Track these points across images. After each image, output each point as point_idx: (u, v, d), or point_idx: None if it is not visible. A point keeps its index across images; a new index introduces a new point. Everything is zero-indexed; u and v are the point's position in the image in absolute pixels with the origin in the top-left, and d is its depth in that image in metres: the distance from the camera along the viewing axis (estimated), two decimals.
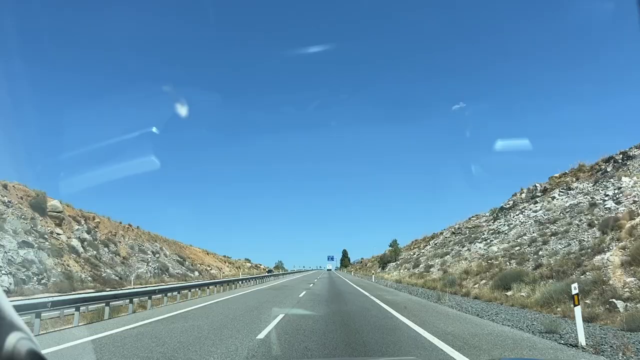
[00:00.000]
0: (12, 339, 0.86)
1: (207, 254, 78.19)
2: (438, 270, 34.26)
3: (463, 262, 30.40)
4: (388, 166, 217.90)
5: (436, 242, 63.91)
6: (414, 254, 70.36)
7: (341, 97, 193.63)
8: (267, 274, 64.28)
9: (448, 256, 41.00)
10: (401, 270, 51.43)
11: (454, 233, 61.12)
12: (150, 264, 46.77)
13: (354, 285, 33.81)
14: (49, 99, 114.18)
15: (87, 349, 7.97)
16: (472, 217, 64.77)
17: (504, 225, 35.70)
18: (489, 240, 34.38)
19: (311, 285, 35.42)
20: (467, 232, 55.39)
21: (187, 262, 61.18)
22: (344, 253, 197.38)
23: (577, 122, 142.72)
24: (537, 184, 41.07)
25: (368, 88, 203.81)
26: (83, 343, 8.54)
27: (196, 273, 59.34)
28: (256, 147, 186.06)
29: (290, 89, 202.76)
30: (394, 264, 72.27)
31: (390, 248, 74.33)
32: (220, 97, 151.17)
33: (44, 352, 0.99)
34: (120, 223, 52.97)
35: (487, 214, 57.45)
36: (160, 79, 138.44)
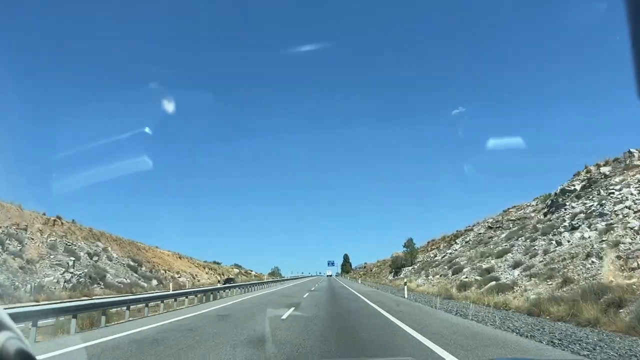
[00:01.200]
0: (0, 339, 0.87)
1: (179, 257, 63.87)
2: (523, 277, 19.69)
3: (580, 261, 15.97)
4: (387, 169, 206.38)
5: (467, 239, 49.78)
6: (435, 256, 56.64)
7: (337, 97, 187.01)
8: (223, 284, 38.93)
9: (509, 255, 26.88)
10: (430, 277, 37.00)
11: (491, 227, 47.36)
12: (71, 270, 32.39)
13: (387, 316, 14.77)
14: (40, 100, 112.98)
15: None
16: (510, 208, 51.38)
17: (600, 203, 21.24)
18: (586, 226, 20.08)
19: (296, 304, 21.17)
20: (512, 225, 42.43)
21: (143, 268, 46.81)
22: (345, 258, 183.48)
23: (571, 122, 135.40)
24: (633, 150, 28.16)
25: (362, 90, 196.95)
26: None
27: (154, 282, 44.93)
28: (251, 149, 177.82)
29: (285, 90, 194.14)
30: (410, 268, 57.83)
31: (406, 249, 59.91)
32: (213, 98, 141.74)
33: None
34: (44, 214, 38.76)
35: (534, 203, 44.79)
36: (151, 79, 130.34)
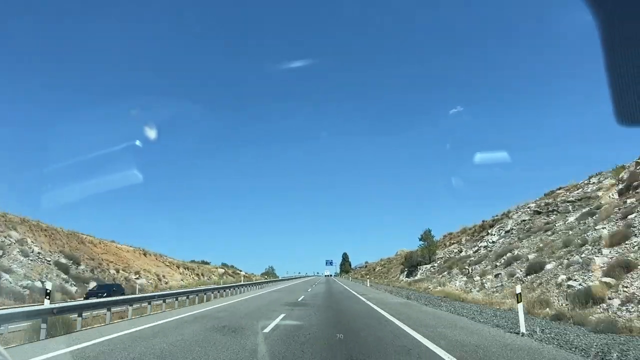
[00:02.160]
0: None
1: (143, 254, 52.24)
2: None
3: None
4: (384, 170, 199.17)
5: (505, 229, 38.83)
6: (460, 251, 45.60)
7: (330, 107, 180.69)
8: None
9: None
10: (475, 279, 25.40)
11: (538, 212, 36.24)
12: None
13: None
14: (31, 112, 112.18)
15: None
16: (557, 190, 40.57)
17: None
18: None
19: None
20: (573, 207, 31.12)
21: (80, 267, 35.22)
22: (344, 257, 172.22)
23: (558, 134, 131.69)
24: None
25: (355, 99, 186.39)
26: None
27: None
28: (248, 153, 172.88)
29: (281, 97, 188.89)
30: (429, 267, 46.36)
31: (422, 244, 48.42)
32: (206, 110, 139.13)
33: None
34: None
35: (595, 181, 34.01)
36: (143, 91, 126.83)
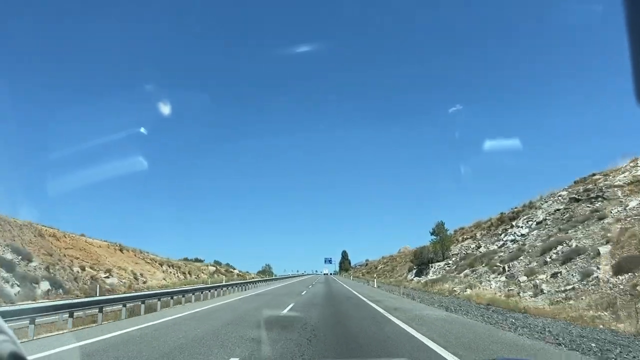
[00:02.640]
0: None
1: (119, 250, 46.38)
2: None
3: None
4: (384, 168, 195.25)
5: (536, 220, 33.48)
6: (479, 247, 40.48)
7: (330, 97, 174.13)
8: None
9: None
10: (522, 281, 19.64)
11: (577, 200, 30.72)
12: None
13: None
14: (33, 100, 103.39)
15: None
16: (593, 175, 35.34)
17: None
18: None
19: None
20: (621, 191, 26.21)
21: (32, 264, 29.42)
22: (344, 255, 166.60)
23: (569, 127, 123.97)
24: None
25: (355, 94, 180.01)
26: None
27: (45, 285, 27.56)
28: (247, 149, 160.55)
29: (281, 91, 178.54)
30: (442, 264, 40.68)
31: (434, 239, 42.70)
32: (209, 98, 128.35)
33: None
34: None
35: None
36: (146, 79, 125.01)
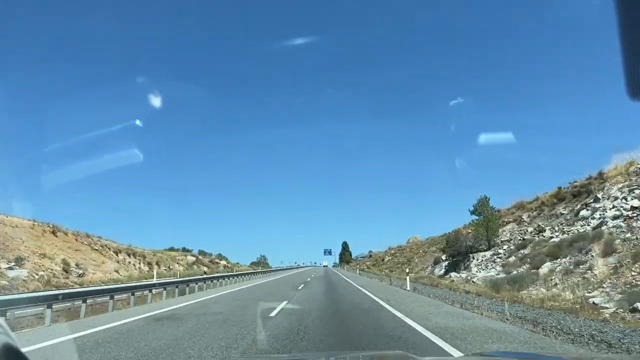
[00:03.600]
0: None
1: (52, 233, 34.83)
2: None
3: None
4: (385, 161, 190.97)
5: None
6: (538, 231, 29.07)
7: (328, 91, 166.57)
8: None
9: None
10: None
11: None
12: None
13: None
14: (27, 93, 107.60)
15: None
16: None
17: None
18: None
19: None
20: None
21: None
22: (344, 246, 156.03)
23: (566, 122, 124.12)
24: None
25: (356, 80, 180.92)
26: None
27: None
28: (243, 140, 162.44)
29: (278, 83, 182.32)
30: (488, 254, 29.24)
31: (476, 219, 31.19)
32: (205, 91, 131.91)
33: None
34: None
35: None
36: (141, 72, 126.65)
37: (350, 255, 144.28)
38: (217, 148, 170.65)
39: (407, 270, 28.18)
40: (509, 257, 26.88)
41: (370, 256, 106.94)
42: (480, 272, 27.11)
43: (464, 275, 26.47)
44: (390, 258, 77.86)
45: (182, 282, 23.47)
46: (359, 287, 23.58)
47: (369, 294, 18.02)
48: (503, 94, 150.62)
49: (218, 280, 30.65)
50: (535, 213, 33.93)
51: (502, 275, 21.87)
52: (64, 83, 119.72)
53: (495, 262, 27.48)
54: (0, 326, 0.91)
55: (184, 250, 79.69)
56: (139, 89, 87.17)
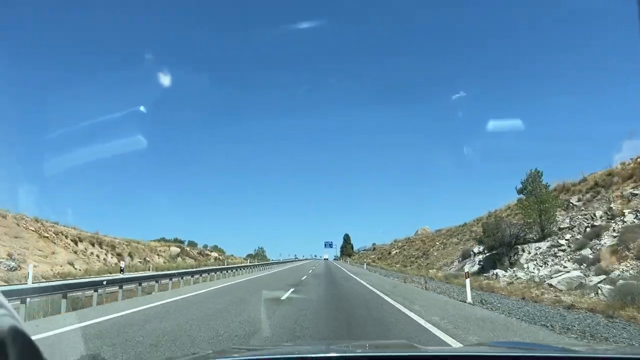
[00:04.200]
0: None
1: None
2: None
3: None
4: (388, 152, 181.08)
5: None
6: (609, 215, 19.85)
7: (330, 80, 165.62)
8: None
9: None
10: None
11: None
12: None
13: None
14: (31, 79, 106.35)
15: None
16: None
17: None
18: None
19: None
20: None
21: None
22: (346, 239, 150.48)
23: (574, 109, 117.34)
24: None
25: (360, 68, 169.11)
26: None
27: None
28: (246, 129, 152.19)
29: (280, 69, 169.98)
30: (544, 246, 21.84)
31: (526, 197, 23.94)
32: (208, 78, 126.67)
33: None
34: None
35: None
36: (146, 58, 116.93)
37: (352, 248, 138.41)
38: (217, 138, 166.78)
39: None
40: (578, 249, 19.63)
41: (374, 249, 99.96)
42: (538, 269, 19.85)
43: (522, 275, 19.09)
44: (397, 251, 70.62)
45: (140, 278, 16.79)
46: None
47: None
48: (512, 81, 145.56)
49: (193, 276, 23.63)
50: (589, 196, 26.77)
51: (594, 276, 14.54)
52: (66, 68, 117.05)
53: (558, 257, 20.22)
54: (6, 309, 0.88)
55: (176, 241, 72.80)
56: (141, 76, 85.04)
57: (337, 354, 2.35)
